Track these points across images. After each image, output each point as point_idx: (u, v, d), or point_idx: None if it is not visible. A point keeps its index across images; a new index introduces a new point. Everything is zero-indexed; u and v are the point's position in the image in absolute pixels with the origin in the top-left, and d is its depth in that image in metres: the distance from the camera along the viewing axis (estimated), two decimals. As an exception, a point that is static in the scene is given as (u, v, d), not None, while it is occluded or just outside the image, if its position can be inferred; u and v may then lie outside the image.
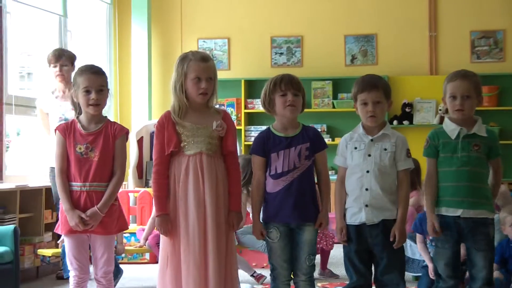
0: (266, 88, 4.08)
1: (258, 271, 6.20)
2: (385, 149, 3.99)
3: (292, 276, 4.08)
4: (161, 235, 4.07)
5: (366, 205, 3.95)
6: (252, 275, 6.11)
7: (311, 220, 4.01)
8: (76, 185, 4.12)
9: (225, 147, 4.06)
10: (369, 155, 3.99)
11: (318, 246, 6.33)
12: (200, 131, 4.02)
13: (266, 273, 5.63)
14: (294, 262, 4.05)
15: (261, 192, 4.08)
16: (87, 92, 4.13)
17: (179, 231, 3.99)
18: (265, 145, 4.07)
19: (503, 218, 5.36)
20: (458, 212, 3.98)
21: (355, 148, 4.03)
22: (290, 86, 4.01)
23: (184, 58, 4.05)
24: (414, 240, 5.87)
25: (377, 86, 4.01)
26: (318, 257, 6.48)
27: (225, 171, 4.07)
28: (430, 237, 5.16)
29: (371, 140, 4.01)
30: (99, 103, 4.15)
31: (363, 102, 4.01)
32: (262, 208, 4.10)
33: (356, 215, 3.98)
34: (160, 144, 4.03)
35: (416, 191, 6.28)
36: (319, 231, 4.07)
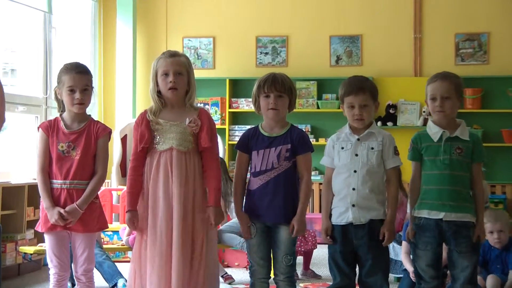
0: (254, 88, 4.09)
1: (241, 271, 6.18)
2: (372, 148, 3.99)
3: (272, 275, 4.08)
4: (136, 235, 4.10)
5: (353, 205, 3.95)
6: (222, 276, 6.08)
7: (287, 221, 3.97)
8: (57, 182, 4.11)
9: (199, 143, 4.07)
10: (356, 155, 3.99)
11: (299, 249, 6.32)
12: (173, 128, 4.04)
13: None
14: (273, 262, 4.05)
15: (242, 187, 4.11)
16: (72, 91, 4.12)
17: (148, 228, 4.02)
18: (249, 142, 4.08)
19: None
20: (440, 215, 3.98)
21: (342, 148, 4.03)
22: (273, 88, 4.00)
23: (155, 59, 4.17)
24: (396, 241, 5.87)
25: (363, 89, 4.02)
26: (300, 257, 6.49)
27: (200, 169, 4.07)
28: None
29: (358, 139, 4.01)
30: (84, 102, 4.15)
31: (350, 105, 4.02)
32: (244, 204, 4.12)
33: (343, 215, 3.98)
34: (135, 141, 4.09)
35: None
36: (292, 236, 3.98)
